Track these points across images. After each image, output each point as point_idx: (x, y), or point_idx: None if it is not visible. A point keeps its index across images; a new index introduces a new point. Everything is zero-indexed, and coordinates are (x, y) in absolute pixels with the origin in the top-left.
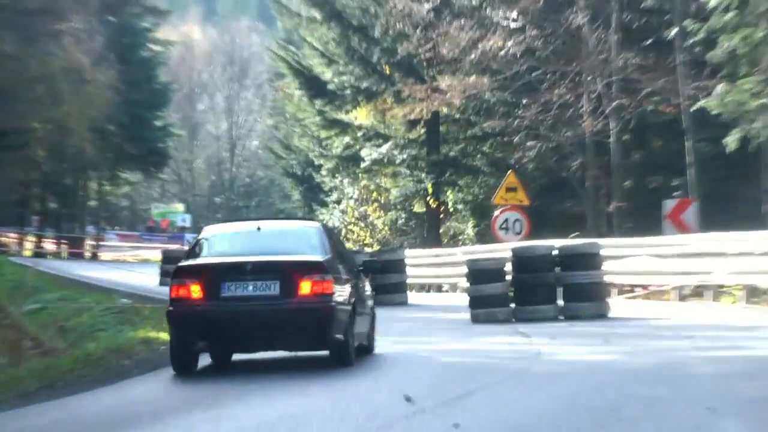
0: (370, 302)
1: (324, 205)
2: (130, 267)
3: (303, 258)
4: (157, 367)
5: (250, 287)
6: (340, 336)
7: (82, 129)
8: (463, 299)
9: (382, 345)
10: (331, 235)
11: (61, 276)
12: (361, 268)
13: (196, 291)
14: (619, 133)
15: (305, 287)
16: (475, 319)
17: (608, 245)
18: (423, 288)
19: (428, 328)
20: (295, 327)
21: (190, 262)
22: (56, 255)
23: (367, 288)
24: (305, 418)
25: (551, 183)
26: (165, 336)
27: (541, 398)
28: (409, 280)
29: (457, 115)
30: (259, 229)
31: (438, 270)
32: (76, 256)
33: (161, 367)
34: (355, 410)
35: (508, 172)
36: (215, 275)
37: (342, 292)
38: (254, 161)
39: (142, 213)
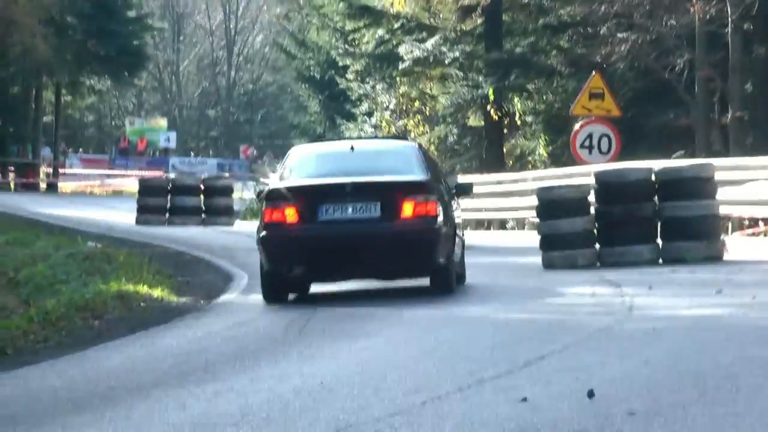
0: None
1: (351, 118)
2: (98, 201)
3: (404, 178)
4: (134, 329)
5: (349, 210)
6: (443, 260)
7: (31, 22)
8: (534, 239)
9: (421, 301)
10: (427, 155)
11: (8, 214)
12: (454, 190)
13: (291, 215)
14: (739, 21)
15: (408, 209)
16: (549, 264)
17: (723, 167)
18: (481, 224)
19: (489, 275)
20: (398, 251)
21: (284, 184)
22: (1, 186)
23: (459, 212)
24: (325, 387)
25: (649, 87)
26: (145, 289)
27: (634, 363)
28: (463, 215)
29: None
30: (352, 148)
31: (501, 201)
32: (28, 187)
33: (141, 328)
34: (395, 377)
35: (593, 73)
36: (312, 198)
37: (444, 215)
38: (259, 62)
39: (112, 131)
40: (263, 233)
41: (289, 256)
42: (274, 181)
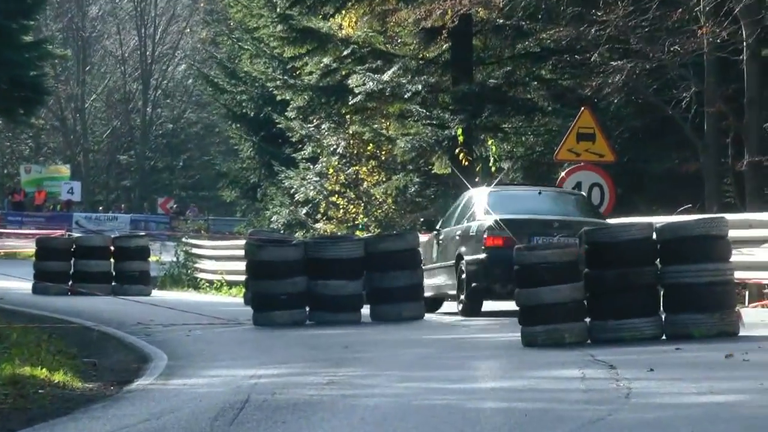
0: None
1: (291, 164)
2: None
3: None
4: (31, 421)
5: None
6: None
7: None
8: (511, 310)
9: (380, 382)
10: None
11: None
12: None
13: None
14: (756, 46)
15: None
16: (530, 341)
17: (739, 223)
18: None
19: (456, 355)
20: None
21: (501, 216)
22: None
23: None
24: None
25: (649, 126)
26: (44, 373)
27: None
28: (425, 282)
29: (500, 20)
30: (540, 193)
31: None
32: None
33: (39, 420)
34: None
35: (581, 109)
36: (525, 229)
37: None
38: (180, 97)
39: (4, 180)
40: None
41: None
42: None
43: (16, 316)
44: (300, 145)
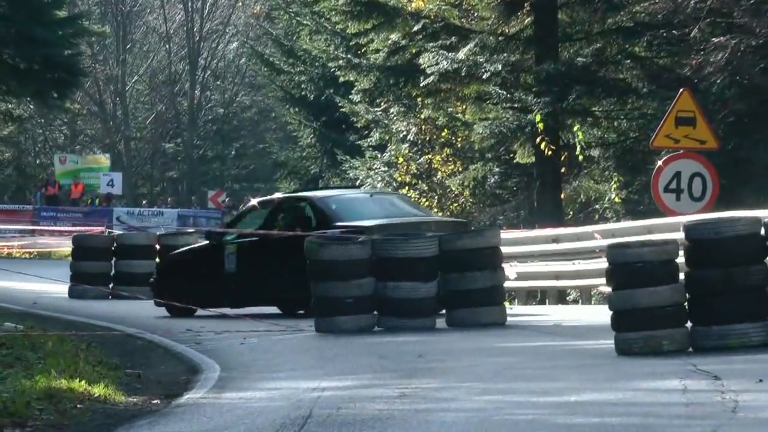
0: None
1: (356, 152)
2: (17, 266)
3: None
4: None
5: None
6: None
7: None
8: (604, 315)
9: (457, 395)
10: None
11: None
12: None
13: None
14: None
15: None
16: (625, 349)
17: None
18: (532, 296)
19: (542, 365)
20: None
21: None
22: None
23: None
24: None
25: (756, 109)
26: (83, 386)
27: None
28: (508, 283)
29: None
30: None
31: (558, 265)
32: None
33: None
34: None
35: (680, 91)
36: None
37: None
38: (232, 79)
39: (36, 172)
40: None
41: None
42: None
43: (51, 322)
44: (366, 132)
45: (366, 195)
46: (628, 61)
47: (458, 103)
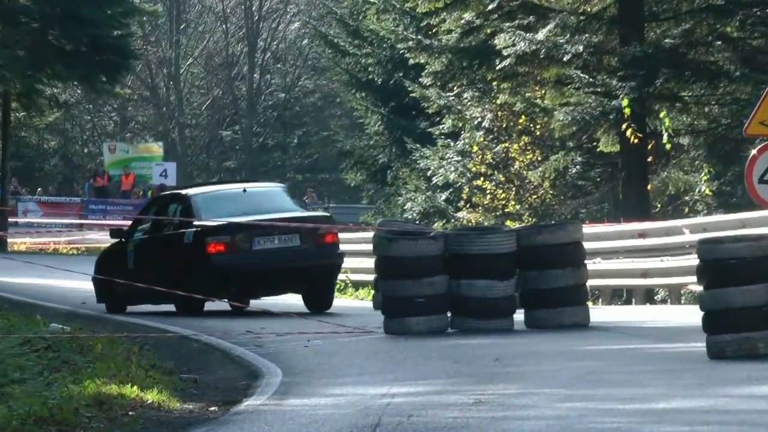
0: None
1: (427, 140)
2: (64, 263)
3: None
4: None
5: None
6: None
7: None
8: (695, 316)
9: (537, 402)
10: None
11: None
12: None
13: None
14: None
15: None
16: (717, 353)
17: None
18: (617, 295)
19: (628, 369)
20: None
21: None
22: None
23: None
24: None
25: None
26: (134, 392)
27: None
28: (591, 282)
29: None
30: (244, 191)
31: (645, 262)
32: None
33: None
34: None
35: None
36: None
37: None
38: (294, 61)
39: (84, 161)
40: None
41: None
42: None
43: (100, 324)
44: (438, 118)
45: (239, 190)
46: (720, 42)
47: (537, 88)
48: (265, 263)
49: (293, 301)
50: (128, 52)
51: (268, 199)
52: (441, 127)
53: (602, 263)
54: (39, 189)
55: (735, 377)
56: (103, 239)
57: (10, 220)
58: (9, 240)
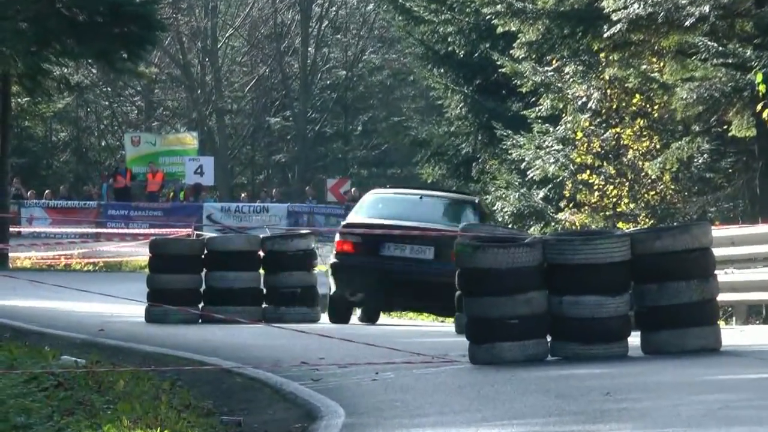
0: None
1: (520, 126)
2: (78, 281)
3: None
4: None
5: None
6: None
7: None
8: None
9: None
10: None
11: None
12: None
13: None
14: None
15: None
16: None
17: None
18: (755, 312)
19: (766, 404)
20: None
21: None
22: None
23: None
24: None
25: None
26: None
27: None
28: (722, 297)
29: None
30: (421, 198)
31: None
32: None
33: None
34: None
35: None
36: (378, 235)
37: None
38: (357, 31)
39: (102, 157)
40: None
41: None
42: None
43: (123, 355)
44: (533, 99)
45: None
46: None
47: (654, 60)
48: (391, 271)
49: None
50: (154, 22)
51: (438, 211)
52: (537, 109)
53: (736, 274)
54: (47, 191)
55: None
56: (124, 251)
57: (11, 229)
58: (11, 254)
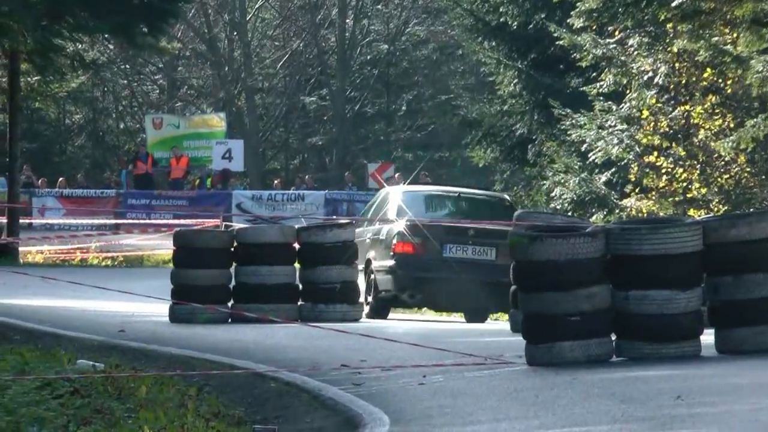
0: None
1: (580, 104)
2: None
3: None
4: None
5: None
6: None
7: None
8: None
9: None
10: None
11: None
12: None
13: None
14: None
15: None
16: None
17: None
18: None
19: None
20: None
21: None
22: None
23: None
24: None
25: None
26: None
27: None
28: None
29: None
30: (458, 195)
31: None
32: None
33: None
34: None
35: None
36: (438, 236)
37: None
38: (399, 1)
39: (120, 141)
40: None
41: None
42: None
43: (145, 358)
44: (594, 74)
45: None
46: None
47: (726, 30)
48: (454, 273)
49: (405, 322)
50: None
51: (482, 208)
52: (599, 85)
53: None
54: (60, 179)
55: None
56: (145, 244)
57: (21, 221)
58: (21, 248)
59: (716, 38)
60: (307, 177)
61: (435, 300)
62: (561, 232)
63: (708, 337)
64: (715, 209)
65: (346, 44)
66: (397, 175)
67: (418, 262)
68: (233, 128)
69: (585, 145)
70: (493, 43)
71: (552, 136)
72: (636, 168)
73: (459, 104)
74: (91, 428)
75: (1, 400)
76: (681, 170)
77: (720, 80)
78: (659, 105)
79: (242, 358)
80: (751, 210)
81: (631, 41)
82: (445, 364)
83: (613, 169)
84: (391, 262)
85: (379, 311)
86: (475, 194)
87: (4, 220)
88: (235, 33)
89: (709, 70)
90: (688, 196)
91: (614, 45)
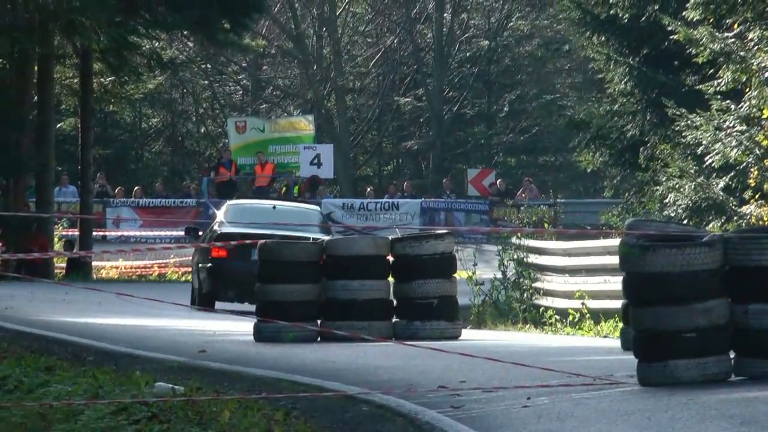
0: None
1: (696, 103)
2: (173, 293)
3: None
4: None
5: None
6: None
7: None
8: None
9: None
10: None
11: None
12: None
13: None
14: None
15: None
16: None
17: None
18: None
19: None
20: None
21: (226, 230)
22: None
23: None
24: None
25: None
26: None
27: None
28: None
29: None
30: (274, 208)
31: None
32: (29, 270)
33: None
34: None
35: None
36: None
37: None
38: None
39: (200, 146)
40: None
41: None
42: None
43: (228, 380)
44: (711, 71)
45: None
46: None
47: None
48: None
49: (507, 339)
50: None
51: (296, 218)
52: (716, 83)
53: None
54: (136, 188)
55: None
56: None
57: (95, 233)
58: (95, 263)
59: None
60: (405, 183)
61: (243, 295)
62: (675, 241)
63: None
64: None
65: (444, 40)
66: (499, 182)
67: (230, 265)
68: (322, 132)
69: (701, 148)
70: (603, 38)
71: (666, 137)
72: (756, 172)
73: (565, 104)
74: None
75: (73, 426)
76: None
77: None
78: None
79: (332, 379)
80: None
81: (751, 35)
82: (551, 385)
83: (732, 174)
84: (209, 264)
85: (203, 305)
86: (290, 206)
87: (76, 232)
88: (324, 29)
89: None
90: None
91: (733, 39)
